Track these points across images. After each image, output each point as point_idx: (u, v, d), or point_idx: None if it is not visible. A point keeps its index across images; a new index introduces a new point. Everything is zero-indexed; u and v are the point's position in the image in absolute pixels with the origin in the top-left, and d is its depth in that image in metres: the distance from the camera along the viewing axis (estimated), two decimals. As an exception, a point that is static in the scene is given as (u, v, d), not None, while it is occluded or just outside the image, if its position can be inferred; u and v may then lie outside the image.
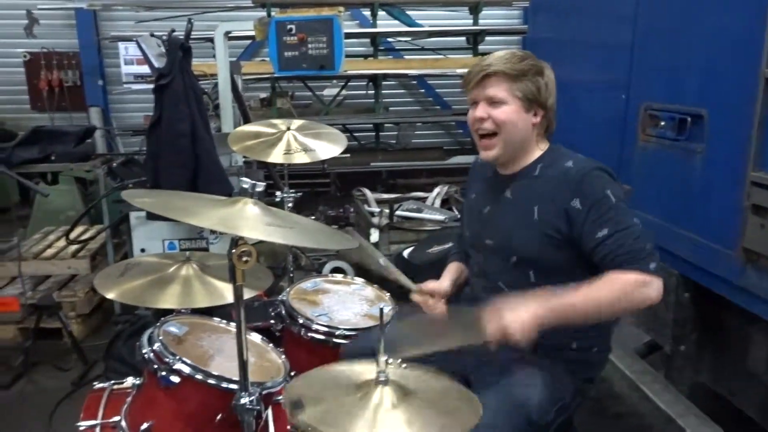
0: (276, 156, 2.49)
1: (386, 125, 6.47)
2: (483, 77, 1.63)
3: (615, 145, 2.50)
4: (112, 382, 1.91)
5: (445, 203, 4.39)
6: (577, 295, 1.50)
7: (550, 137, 1.74)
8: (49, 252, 3.92)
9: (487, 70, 1.62)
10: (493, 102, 1.63)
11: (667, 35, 2.24)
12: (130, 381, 1.86)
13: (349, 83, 6.21)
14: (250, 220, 1.33)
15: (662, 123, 2.23)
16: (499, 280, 1.69)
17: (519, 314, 1.47)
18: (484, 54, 6.31)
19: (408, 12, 6.42)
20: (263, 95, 5.90)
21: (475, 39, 6.13)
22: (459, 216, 4.01)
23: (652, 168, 2.33)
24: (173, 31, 3.07)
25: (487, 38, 6.14)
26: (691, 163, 2.09)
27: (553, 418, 1.63)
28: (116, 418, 1.72)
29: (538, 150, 1.70)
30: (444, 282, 1.88)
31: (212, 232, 3.33)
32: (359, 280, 2.48)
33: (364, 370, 1.36)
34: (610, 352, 1.80)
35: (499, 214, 1.72)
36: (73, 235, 3.79)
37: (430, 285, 1.84)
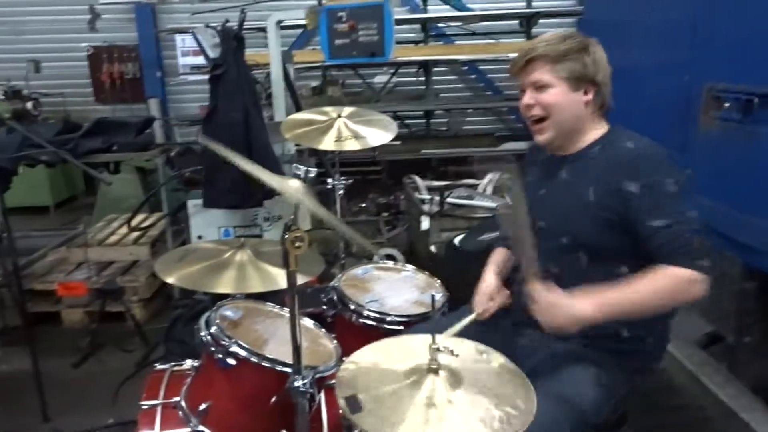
0: (327, 143, 2.51)
1: (437, 112, 6.42)
2: (526, 63, 1.61)
3: (676, 128, 2.41)
4: (172, 363, 1.97)
5: (497, 190, 4.32)
6: (626, 292, 1.48)
7: (607, 116, 1.69)
8: (113, 239, 4.09)
9: (529, 54, 1.61)
10: (539, 86, 1.61)
11: (734, 10, 2.13)
12: (189, 363, 1.92)
13: (400, 70, 6.18)
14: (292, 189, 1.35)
15: (726, 104, 2.13)
16: (550, 265, 1.65)
17: (569, 304, 1.46)
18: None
19: (459, -4, 6.34)
20: (314, 84, 5.95)
21: (528, 22, 5.98)
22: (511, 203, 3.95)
23: (715, 151, 2.24)
24: (227, 21, 3.13)
25: (541, 21, 5.98)
26: (758, 146, 2.00)
27: (608, 415, 1.60)
28: (176, 399, 1.78)
29: (596, 131, 1.66)
30: (489, 278, 1.86)
31: (266, 219, 3.40)
32: (410, 267, 2.49)
33: (415, 349, 1.36)
34: (668, 343, 1.75)
35: (553, 196, 1.70)
36: (134, 223, 3.94)
37: (482, 289, 1.83)
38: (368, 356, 1.44)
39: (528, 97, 1.63)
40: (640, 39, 2.75)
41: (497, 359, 1.41)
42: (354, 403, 1.21)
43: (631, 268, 1.57)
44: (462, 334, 1.62)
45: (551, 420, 1.45)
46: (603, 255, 1.59)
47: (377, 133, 2.60)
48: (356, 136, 2.53)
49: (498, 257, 1.93)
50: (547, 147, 1.70)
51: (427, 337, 1.32)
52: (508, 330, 1.78)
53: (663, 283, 1.46)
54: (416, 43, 6.26)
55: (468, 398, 1.25)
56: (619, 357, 1.63)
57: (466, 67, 6.77)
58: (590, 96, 1.62)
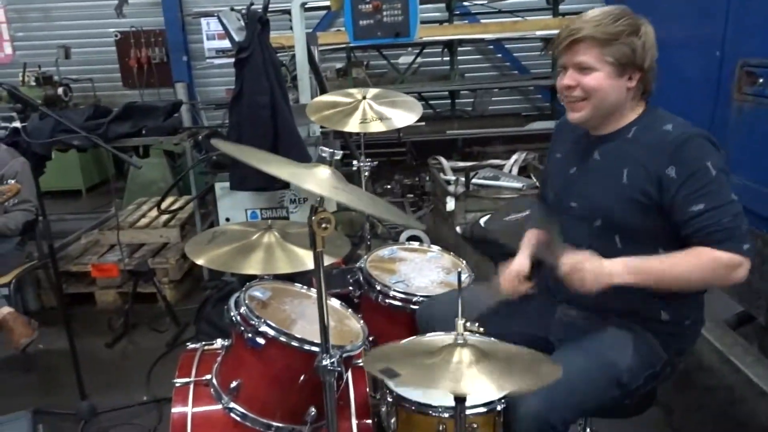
0: (352, 125, 2.51)
1: (462, 92, 6.37)
2: (571, 42, 1.53)
3: (708, 105, 2.35)
4: (203, 343, 2.02)
5: (523, 170, 4.28)
6: (663, 263, 1.47)
7: (648, 98, 1.64)
8: (143, 222, 4.18)
9: (576, 35, 1.52)
10: (582, 68, 1.54)
11: (769, -16, 2.07)
12: (219, 342, 1.96)
13: (424, 50, 6.13)
14: (319, 180, 1.36)
15: (761, 80, 2.07)
16: (582, 245, 1.64)
17: (600, 265, 1.47)
18: (564, 15, 6.05)
19: (485, -27, 6.23)
20: (339, 65, 5.94)
21: (555, -2, 5.87)
22: (537, 183, 3.92)
23: (748, 129, 2.18)
24: (252, 4, 3.13)
25: (569, -3, 5.87)
26: (794, 122, 1.94)
27: (641, 384, 1.60)
28: (208, 376, 1.83)
29: (634, 112, 1.61)
30: (523, 259, 1.83)
31: (292, 201, 3.43)
32: (435, 248, 2.49)
33: (440, 340, 1.39)
34: (704, 325, 1.73)
35: (585, 176, 1.66)
36: (163, 206, 4.01)
37: (512, 268, 1.80)
38: (396, 345, 1.47)
39: (569, 78, 1.56)
40: (671, 12, 2.67)
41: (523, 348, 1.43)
42: (390, 372, 1.25)
43: (666, 251, 1.55)
44: (494, 309, 1.64)
45: (584, 371, 1.49)
46: (637, 238, 1.57)
47: (402, 115, 2.59)
48: (381, 117, 2.53)
49: (532, 238, 1.91)
50: (579, 125, 1.66)
51: (451, 335, 1.35)
52: (543, 307, 1.78)
53: (707, 263, 1.44)
54: (441, 22, 6.19)
55: (494, 365, 1.27)
56: (658, 335, 1.62)
57: (491, 46, 6.68)
58: (634, 82, 1.55)
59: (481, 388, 1.22)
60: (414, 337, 1.73)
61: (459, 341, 1.31)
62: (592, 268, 1.47)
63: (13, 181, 3.01)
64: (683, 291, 1.55)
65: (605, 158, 1.62)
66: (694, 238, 1.47)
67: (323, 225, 1.29)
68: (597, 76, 1.53)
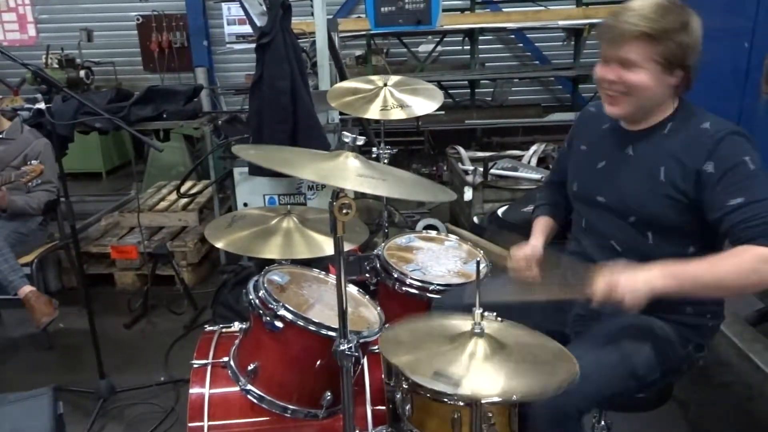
0: (373, 112, 2.50)
1: (482, 81, 6.32)
2: (621, 39, 1.46)
3: (735, 98, 2.31)
4: (221, 326, 2.04)
5: (542, 162, 4.25)
6: (702, 266, 1.40)
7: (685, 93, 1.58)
8: (162, 205, 4.22)
9: (626, 33, 1.43)
10: (628, 65, 1.47)
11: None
12: (237, 326, 1.99)
13: (445, 39, 6.09)
14: (350, 173, 1.35)
15: (791, 74, 2.03)
16: (613, 239, 1.62)
17: (635, 278, 1.39)
18: (588, 5, 5.96)
19: (508, -39, 6.16)
20: (358, 53, 5.92)
21: (579, -13, 5.79)
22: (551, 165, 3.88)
23: (775, 123, 2.15)
24: (274, -11, 3.12)
25: (593, -14, 5.78)
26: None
27: (658, 377, 1.58)
28: (225, 359, 1.85)
29: (670, 107, 1.56)
30: (536, 243, 1.81)
31: (310, 188, 3.44)
32: (453, 237, 2.48)
33: (460, 323, 1.38)
34: (723, 320, 1.71)
35: (617, 171, 1.62)
36: (183, 190, 4.04)
37: (524, 250, 1.77)
38: (412, 323, 1.46)
39: (612, 73, 1.50)
40: (700, 4, 2.63)
41: (540, 337, 1.41)
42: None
43: (699, 249, 1.53)
44: (511, 301, 1.63)
45: (600, 361, 1.48)
46: (671, 234, 1.55)
47: (423, 103, 2.58)
48: (402, 105, 2.52)
49: (543, 223, 1.89)
50: (615, 117, 1.61)
51: (468, 321, 1.33)
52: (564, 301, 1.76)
53: (746, 261, 1.38)
54: (462, 11, 6.14)
55: (508, 360, 1.27)
56: (680, 331, 1.60)
57: (512, 36, 6.61)
58: (678, 79, 1.50)
59: (492, 390, 1.20)
60: (432, 315, 1.71)
61: (476, 330, 1.31)
62: (627, 283, 1.39)
63: (36, 162, 3.06)
64: (725, 296, 1.52)
65: (640, 154, 1.59)
66: (733, 232, 1.42)
67: (344, 210, 1.30)
68: (642, 74, 1.47)
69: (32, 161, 3.07)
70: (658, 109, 1.56)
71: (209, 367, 1.85)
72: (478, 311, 1.32)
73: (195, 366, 1.86)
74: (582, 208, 1.76)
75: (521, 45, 6.71)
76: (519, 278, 1.75)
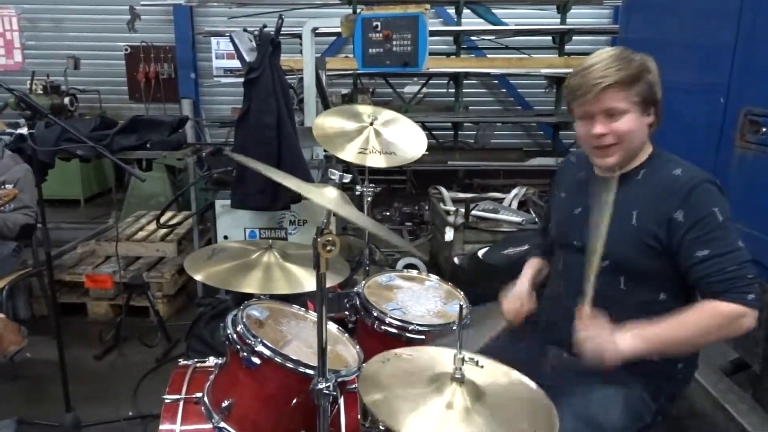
0: (349, 153, 2.52)
1: (465, 124, 6.44)
2: (600, 91, 1.50)
3: (710, 151, 2.38)
4: (196, 360, 2.00)
5: (523, 205, 4.31)
6: (669, 326, 1.45)
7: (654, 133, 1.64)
8: (141, 234, 4.17)
9: (603, 83, 1.49)
10: (612, 114, 1.52)
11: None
12: (212, 360, 1.95)
13: (430, 81, 6.22)
14: (327, 197, 1.36)
15: (764, 129, 2.10)
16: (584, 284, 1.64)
17: (611, 339, 1.44)
18: (570, 54, 6.14)
19: (494, 10, 6.34)
20: (345, 91, 6.00)
21: (561, 38, 5.95)
22: (536, 218, 3.93)
23: (750, 177, 2.21)
24: (265, 26, 3.18)
25: (575, 38, 5.96)
26: (795, 172, 1.97)
27: None
28: (198, 394, 1.80)
29: (645, 154, 1.61)
30: (524, 286, 1.85)
31: (291, 222, 3.43)
32: (434, 277, 2.49)
33: (443, 362, 1.37)
34: (697, 369, 1.72)
35: (592, 217, 1.64)
36: (162, 220, 4.00)
37: (516, 295, 1.82)
38: (394, 359, 1.45)
39: (600, 127, 1.53)
40: (676, 59, 2.72)
41: (523, 382, 1.41)
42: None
43: (670, 296, 1.56)
44: (489, 346, 1.62)
45: None
46: (642, 280, 1.57)
47: (406, 150, 2.60)
48: (384, 151, 2.54)
49: (534, 265, 1.93)
50: (605, 169, 1.63)
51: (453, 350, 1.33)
52: (534, 347, 1.77)
53: (710, 319, 1.43)
54: (448, 55, 6.29)
55: (487, 411, 1.25)
56: (650, 381, 1.61)
57: (496, 81, 6.77)
58: (652, 117, 1.57)
59: None
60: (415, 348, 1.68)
61: (457, 375, 1.30)
62: (609, 344, 1.44)
63: (11, 187, 3.01)
64: (694, 351, 1.54)
65: (615, 200, 1.59)
66: (699, 285, 1.47)
67: (328, 247, 1.30)
68: (627, 119, 1.52)
69: (7, 186, 3.02)
70: (636, 154, 1.61)
71: (182, 403, 1.81)
72: (459, 356, 1.30)
73: (167, 401, 1.81)
74: (559, 252, 1.79)
75: (504, 90, 6.88)
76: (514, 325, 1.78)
